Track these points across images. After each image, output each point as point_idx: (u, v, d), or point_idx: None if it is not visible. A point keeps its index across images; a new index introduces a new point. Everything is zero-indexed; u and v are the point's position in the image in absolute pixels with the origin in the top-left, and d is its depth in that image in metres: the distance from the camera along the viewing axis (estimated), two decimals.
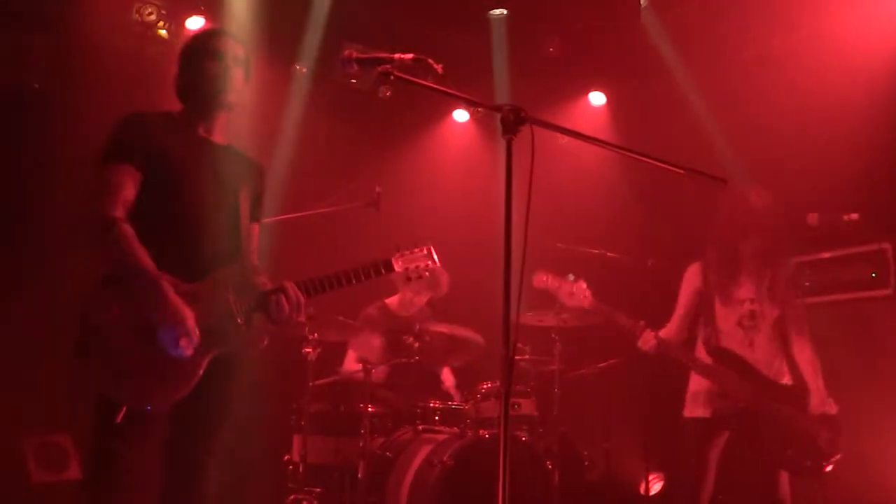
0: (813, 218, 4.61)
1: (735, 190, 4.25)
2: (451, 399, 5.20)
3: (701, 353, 4.16)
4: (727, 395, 4.02)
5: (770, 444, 4.01)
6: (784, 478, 4.09)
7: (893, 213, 4.88)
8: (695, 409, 4.17)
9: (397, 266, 3.24)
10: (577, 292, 4.07)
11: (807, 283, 5.22)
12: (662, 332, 4.16)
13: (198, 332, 2.80)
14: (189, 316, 2.78)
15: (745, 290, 4.21)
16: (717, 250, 4.26)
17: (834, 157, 4.95)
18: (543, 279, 4.13)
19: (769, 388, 4.06)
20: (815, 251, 5.21)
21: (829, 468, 4.03)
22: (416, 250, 3.29)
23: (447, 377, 5.53)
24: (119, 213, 2.81)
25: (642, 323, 4.10)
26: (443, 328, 4.96)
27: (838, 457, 4.03)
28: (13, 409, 4.71)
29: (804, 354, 4.19)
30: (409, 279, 3.29)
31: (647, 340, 4.07)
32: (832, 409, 4.09)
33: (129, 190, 2.86)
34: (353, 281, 3.12)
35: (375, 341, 5.12)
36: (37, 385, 4.70)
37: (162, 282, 2.77)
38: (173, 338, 2.76)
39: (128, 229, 2.80)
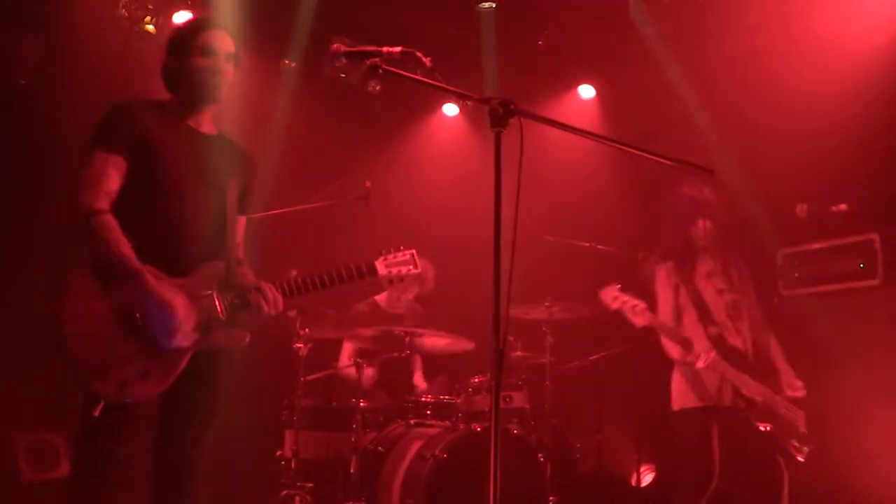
0: (801, 209, 4.64)
1: (677, 184, 4.31)
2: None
3: (708, 351, 4.13)
4: (741, 396, 4.04)
5: (777, 436, 4.06)
6: (785, 468, 4.12)
7: (881, 204, 4.90)
8: (688, 401, 4.18)
9: (380, 269, 3.28)
10: (639, 308, 3.97)
11: (796, 274, 5.26)
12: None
13: (191, 322, 2.79)
14: (179, 304, 2.78)
15: (716, 280, 4.24)
16: (677, 243, 4.26)
17: (822, 148, 4.97)
18: (614, 297, 4.00)
19: (762, 376, 4.10)
20: (803, 242, 5.24)
21: (802, 456, 4.09)
22: (398, 254, 3.33)
23: (419, 381, 5.50)
24: (102, 204, 2.80)
25: (706, 344, 4.04)
26: (433, 340, 4.95)
27: (811, 447, 4.10)
28: (4, 408, 4.69)
29: (770, 339, 4.29)
30: (390, 282, 3.33)
31: (705, 359, 3.98)
32: (801, 391, 4.15)
33: (114, 180, 2.85)
34: (336, 283, 3.15)
35: (368, 335, 5.12)
36: (28, 383, 4.68)
37: (144, 273, 2.77)
38: (165, 328, 2.76)
39: (110, 220, 2.79)
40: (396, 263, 3.32)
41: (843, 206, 4.55)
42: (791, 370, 4.22)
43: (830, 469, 4.48)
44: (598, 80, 6.67)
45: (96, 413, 2.70)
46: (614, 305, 4.02)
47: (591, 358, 5.55)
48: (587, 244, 5.44)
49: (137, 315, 2.76)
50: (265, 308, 2.96)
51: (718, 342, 4.09)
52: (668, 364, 4.43)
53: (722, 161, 5.21)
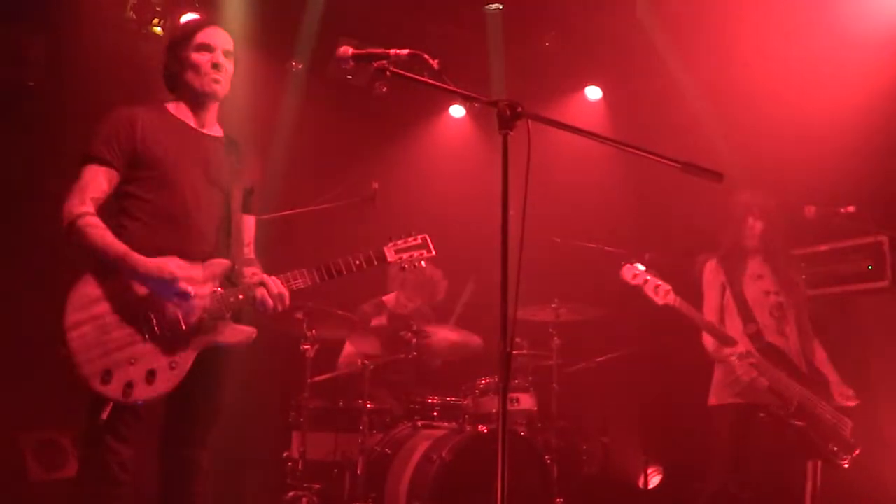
0: (810, 211, 4.62)
1: (741, 188, 4.39)
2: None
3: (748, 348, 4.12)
4: (776, 393, 4.03)
5: (813, 436, 4.06)
6: (816, 469, 4.12)
7: (890, 206, 4.89)
8: (726, 397, 4.18)
9: (390, 256, 3.20)
10: (662, 289, 3.95)
11: (804, 276, 5.24)
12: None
13: (187, 284, 2.80)
14: (170, 261, 2.79)
15: (765, 282, 4.26)
16: (729, 243, 4.33)
17: (831, 150, 4.96)
18: (635, 274, 3.98)
19: (809, 381, 4.11)
20: (811, 244, 5.23)
21: (847, 463, 4.08)
22: (409, 239, 3.24)
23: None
24: (86, 208, 2.82)
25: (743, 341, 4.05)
26: (443, 333, 4.95)
27: (858, 451, 4.09)
28: (11, 407, 4.71)
29: (815, 346, 4.33)
30: (403, 269, 3.24)
31: (743, 355, 3.98)
32: (853, 400, 4.17)
33: (100, 188, 2.86)
34: (344, 273, 3.08)
35: (373, 337, 5.11)
36: (35, 383, 4.70)
37: (131, 253, 2.77)
38: (172, 289, 2.76)
39: (92, 220, 2.81)
40: (407, 249, 3.22)
41: (851, 208, 4.54)
42: (838, 377, 4.25)
43: (839, 471, 4.46)
44: (604, 82, 6.67)
45: (104, 416, 2.71)
46: (634, 282, 4.00)
47: (598, 360, 5.54)
48: (594, 245, 5.43)
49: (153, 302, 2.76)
50: (270, 303, 2.93)
51: (756, 339, 4.12)
52: (674, 366, 4.44)
53: (730, 163, 5.20)
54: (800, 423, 4.02)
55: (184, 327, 2.81)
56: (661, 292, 3.93)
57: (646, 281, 3.95)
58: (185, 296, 2.79)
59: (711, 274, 4.35)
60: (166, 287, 2.78)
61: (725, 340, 4.04)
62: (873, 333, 4.87)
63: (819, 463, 4.14)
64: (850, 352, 4.80)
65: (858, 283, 4.98)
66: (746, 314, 4.18)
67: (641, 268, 3.98)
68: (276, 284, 2.95)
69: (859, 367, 4.75)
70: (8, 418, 4.74)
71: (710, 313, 4.26)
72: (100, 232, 2.80)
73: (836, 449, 4.09)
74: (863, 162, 4.91)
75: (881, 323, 4.88)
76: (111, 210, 2.92)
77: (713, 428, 4.24)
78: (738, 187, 4.43)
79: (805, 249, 5.26)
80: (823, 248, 5.18)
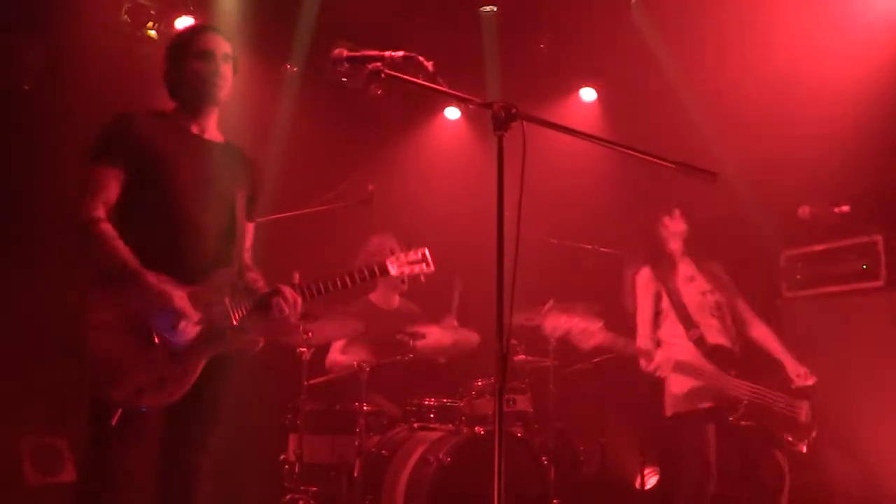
0: (804, 210, 4.64)
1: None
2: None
3: (690, 354, 4.12)
4: (728, 395, 4.02)
5: (772, 430, 4.04)
6: (786, 464, 4.10)
7: (884, 206, 4.91)
8: (681, 405, 4.17)
9: (392, 269, 3.30)
10: (589, 331, 3.84)
11: (798, 276, 5.26)
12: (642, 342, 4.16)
13: (195, 314, 2.81)
14: (178, 296, 2.79)
15: (698, 283, 4.26)
16: (654, 250, 4.32)
17: (825, 149, 4.97)
18: (555, 326, 3.87)
19: (759, 374, 4.09)
20: (806, 244, 5.24)
21: (805, 447, 4.07)
22: (410, 253, 3.38)
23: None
24: (99, 212, 2.83)
25: (657, 349, 4.06)
26: (436, 336, 4.94)
27: (814, 433, 4.08)
28: (9, 411, 4.70)
29: (763, 330, 4.30)
30: (403, 283, 3.35)
31: (664, 365, 3.98)
32: (810, 379, 4.12)
33: (111, 190, 2.87)
34: (349, 284, 3.18)
35: (367, 339, 5.10)
36: (32, 387, 4.69)
37: (143, 271, 2.78)
38: (169, 323, 2.77)
39: (107, 228, 2.82)
40: (409, 262, 3.37)
41: (845, 208, 4.55)
42: (791, 356, 4.20)
43: (832, 469, 4.47)
44: (599, 83, 6.68)
45: (114, 422, 2.71)
46: (557, 335, 3.93)
47: (595, 360, 5.54)
48: (589, 247, 5.44)
49: (146, 320, 2.77)
50: (286, 310, 3.00)
51: (700, 343, 4.10)
52: None
53: (724, 163, 5.21)
54: (747, 422, 3.99)
55: (177, 339, 2.81)
56: (587, 335, 3.84)
57: (569, 330, 3.86)
58: (176, 334, 2.79)
59: (644, 283, 4.30)
60: (161, 314, 2.78)
61: (650, 357, 4.01)
62: (867, 333, 4.88)
63: (784, 457, 4.11)
64: (845, 352, 4.81)
65: (853, 283, 4.99)
66: (687, 320, 4.15)
67: (556, 320, 3.86)
68: (290, 292, 3.02)
69: (853, 367, 4.75)
70: (5, 422, 4.73)
71: (643, 323, 4.23)
72: (116, 243, 2.81)
73: (790, 439, 4.06)
74: (857, 161, 4.93)
75: (875, 322, 4.89)
76: (111, 215, 2.92)
77: (677, 439, 4.21)
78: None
79: (799, 249, 5.28)
80: (818, 248, 5.19)
